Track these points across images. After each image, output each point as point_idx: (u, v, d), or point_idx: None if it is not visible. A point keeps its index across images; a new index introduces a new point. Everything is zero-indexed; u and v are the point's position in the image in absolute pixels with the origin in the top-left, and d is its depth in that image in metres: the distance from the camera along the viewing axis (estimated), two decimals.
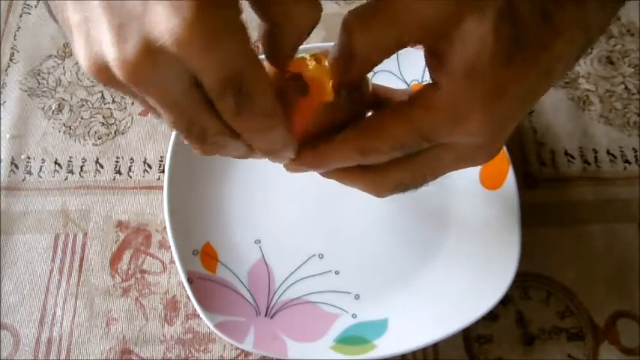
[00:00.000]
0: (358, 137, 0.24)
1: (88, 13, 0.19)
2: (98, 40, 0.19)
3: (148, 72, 0.19)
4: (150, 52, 0.18)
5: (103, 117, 0.46)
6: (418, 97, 0.23)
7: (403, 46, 0.22)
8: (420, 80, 0.44)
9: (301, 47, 0.24)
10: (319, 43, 0.47)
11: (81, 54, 0.20)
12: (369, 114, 0.26)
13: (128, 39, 0.18)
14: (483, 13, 0.20)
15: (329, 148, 0.25)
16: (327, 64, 0.24)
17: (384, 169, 0.26)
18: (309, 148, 0.25)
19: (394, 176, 0.26)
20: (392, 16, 0.21)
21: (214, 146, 0.23)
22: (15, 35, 0.49)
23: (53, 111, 0.46)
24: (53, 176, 0.44)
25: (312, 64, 0.25)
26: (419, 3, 0.21)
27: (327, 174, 0.28)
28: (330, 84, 0.24)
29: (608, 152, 0.45)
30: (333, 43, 0.24)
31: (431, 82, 0.23)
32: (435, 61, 0.22)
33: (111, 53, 0.19)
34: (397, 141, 0.24)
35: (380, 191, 0.27)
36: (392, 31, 0.21)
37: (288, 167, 0.27)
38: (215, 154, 0.24)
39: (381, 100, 0.28)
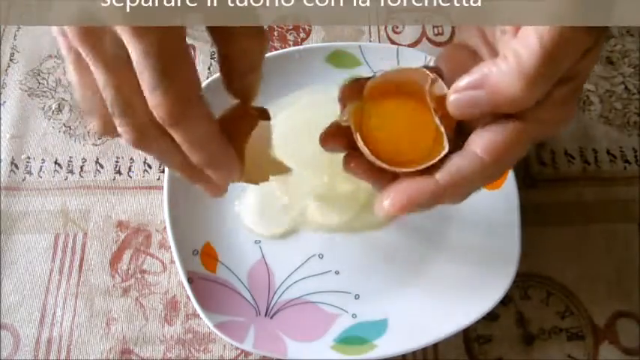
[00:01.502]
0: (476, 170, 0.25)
1: None
2: None
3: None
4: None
5: None
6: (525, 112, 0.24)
7: None
8: None
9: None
10: (319, 44, 0.48)
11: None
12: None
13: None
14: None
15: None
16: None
17: None
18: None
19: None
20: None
21: (144, 136, 0.23)
22: (15, 35, 0.49)
23: (53, 111, 0.46)
24: (53, 176, 0.44)
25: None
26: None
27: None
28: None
29: (608, 152, 0.45)
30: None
31: None
32: None
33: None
34: (512, 163, 0.25)
35: (456, 201, 0.27)
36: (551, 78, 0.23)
37: (389, 204, 0.26)
38: (145, 150, 0.24)
39: None
